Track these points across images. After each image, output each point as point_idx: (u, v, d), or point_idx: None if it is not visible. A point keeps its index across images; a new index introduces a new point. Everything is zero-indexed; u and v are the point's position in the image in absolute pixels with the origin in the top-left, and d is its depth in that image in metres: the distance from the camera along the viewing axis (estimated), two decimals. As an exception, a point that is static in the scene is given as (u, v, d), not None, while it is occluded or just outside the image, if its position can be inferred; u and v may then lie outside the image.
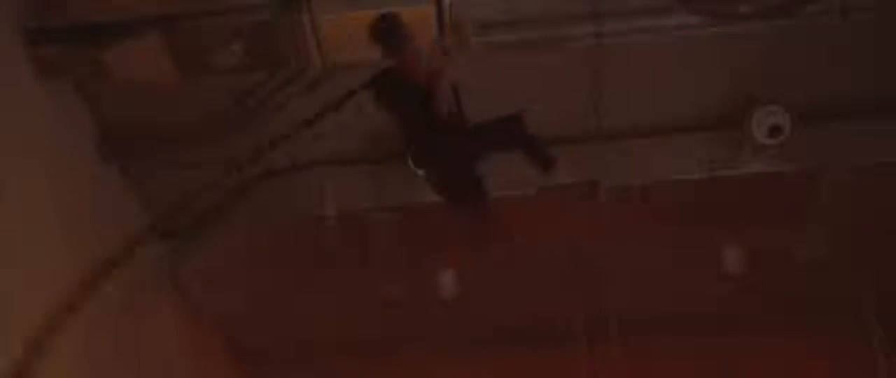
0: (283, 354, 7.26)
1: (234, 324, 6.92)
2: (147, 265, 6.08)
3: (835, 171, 5.97)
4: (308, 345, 7.17)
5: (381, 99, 4.70)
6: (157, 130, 5.55)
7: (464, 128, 4.67)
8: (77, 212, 5.33)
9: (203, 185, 5.90)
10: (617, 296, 6.57)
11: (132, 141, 5.58)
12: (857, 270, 6.62)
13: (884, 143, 5.83)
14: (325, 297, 6.66)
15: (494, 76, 5.36)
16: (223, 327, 6.93)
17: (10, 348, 4.48)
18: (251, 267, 6.34)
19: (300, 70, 5.34)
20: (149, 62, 5.07)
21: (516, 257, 6.40)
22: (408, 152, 5.13)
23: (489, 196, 5.08)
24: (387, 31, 4.47)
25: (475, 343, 7.14)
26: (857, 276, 6.66)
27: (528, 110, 4.80)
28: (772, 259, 6.59)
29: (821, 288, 6.77)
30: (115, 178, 5.78)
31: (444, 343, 7.03)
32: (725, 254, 6.61)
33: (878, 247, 6.43)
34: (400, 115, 4.72)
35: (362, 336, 7.03)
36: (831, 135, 5.79)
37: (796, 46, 5.51)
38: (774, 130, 5.62)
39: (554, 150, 5.62)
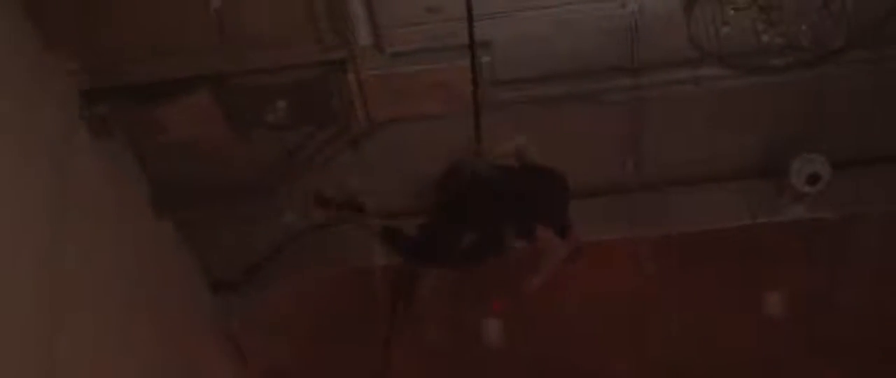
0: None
1: (285, 374, 6.91)
2: (201, 316, 6.09)
3: (875, 217, 5.89)
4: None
5: None
6: (209, 185, 5.56)
7: None
8: (134, 266, 5.34)
9: (254, 237, 5.93)
10: (660, 342, 6.53)
11: (185, 196, 5.59)
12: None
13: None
14: (374, 347, 6.64)
15: (532, 129, 5.36)
16: (273, 375, 6.93)
17: None
18: (301, 317, 6.34)
19: (346, 126, 5.35)
20: (200, 119, 5.11)
21: (558, 306, 6.35)
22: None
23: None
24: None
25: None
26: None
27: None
28: (813, 304, 6.50)
29: (863, 333, 6.68)
30: (170, 233, 5.80)
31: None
32: (768, 299, 6.54)
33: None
34: None
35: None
36: (871, 181, 5.73)
37: (833, 94, 5.45)
38: (813, 178, 5.57)
39: (595, 203, 5.62)
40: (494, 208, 4.84)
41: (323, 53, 4.98)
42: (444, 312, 6.39)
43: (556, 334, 6.50)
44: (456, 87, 4.69)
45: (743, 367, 6.97)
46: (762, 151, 5.73)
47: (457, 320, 6.46)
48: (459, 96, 4.67)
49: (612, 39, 5.11)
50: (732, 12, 5.06)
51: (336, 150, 5.43)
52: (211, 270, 6.10)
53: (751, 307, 6.57)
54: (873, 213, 5.87)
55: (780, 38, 5.14)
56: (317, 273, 6.03)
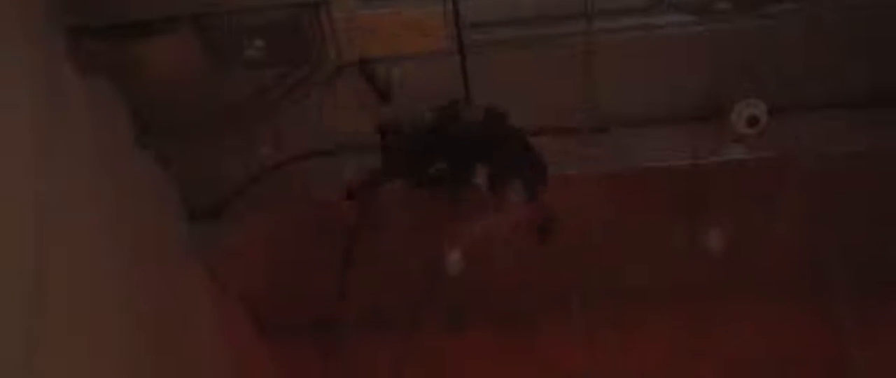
0: (304, 326, 7.37)
1: (259, 298, 7.03)
2: (178, 243, 6.19)
3: (807, 157, 6.05)
4: (328, 317, 7.28)
5: None
6: (189, 120, 5.64)
7: None
8: (116, 195, 5.39)
9: (231, 170, 6.01)
10: (609, 272, 6.69)
11: (165, 130, 5.66)
12: (827, 247, 6.72)
13: (853, 133, 5.92)
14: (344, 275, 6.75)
15: (495, 71, 5.47)
16: (249, 302, 7.04)
17: (48, 323, 4.48)
18: (275, 245, 6.44)
19: (318, 66, 5.40)
20: (181, 57, 5.17)
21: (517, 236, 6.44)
22: None
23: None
24: None
25: (481, 314, 7.27)
26: (827, 252, 6.76)
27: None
28: (750, 238, 6.69)
29: (795, 266, 6.88)
30: (150, 165, 5.86)
31: (452, 313, 7.14)
32: (708, 232, 6.72)
33: (845, 225, 6.54)
34: None
35: (377, 308, 7.13)
36: (806, 124, 5.88)
37: (774, 42, 5.57)
38: (752, 121, 5.71)
39: (549, 141, 5.73)
40: (472, 149, 4.91)
41: (298, -6, 5.02)
42: (412, 241, 6.49)
43: (508, 261, 6.62)
44: (427, 28, 4.77)
45: (682, 297, 7.20)
46: (706, 95, 5.85)
47: (414, 245, 6.55)
48: (430, 38, 4.76)
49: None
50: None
51: (309, 88, 5.49)
52: (189, 200, 6.17)
53: (691, 241, 6.76)
54: (807, 153, 6.02)
55: (725, -18, 5.27)
56: (290, 203, 6.12)
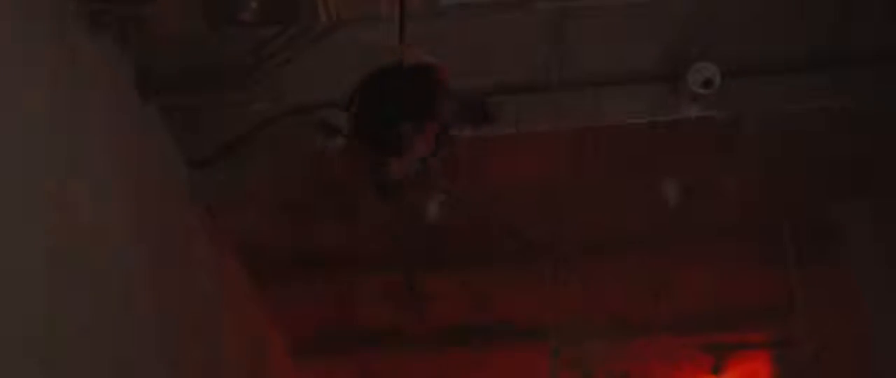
0: (294, 266, 7.56)
1: (256, 243, 7.19)
2: (178, 191, 6.40)
3: (757, 116, 6.24)
4: (318, 260, 7.47)
5: None
6: (189, 75, 5.80)
7: None
8: (121, 145, 5.59)
9: (229, 122, 6.19)
10: (574, 222, 6.89)
11: (167, 84, 5.83)
12: (774, 201, 6.96)
13: (800, 94, 6.15)
14: (332, 220, 6.93)
15: (469, 34, 5.65)
16: (243, 243, 7.20)
17: (54, 256, 4.62)
18: (273, 193, 6.66)
19: (309, 25, 5.56)
20: (181, 16, 5.31)
21: (486, 190, 6.62)
22: None
23: None
24: None
25: (455, 259, 7.48)
26: (774, 206, 7.01)
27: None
28: (703, 190, 6.90)
29: (744, 217, 7.12)
30: (153, 116, 6.04)
31: (428, 258, 7.35)
32: (665, 186, 6.92)
33: (791, 181, 6.77)
34: None
35: (363, 252, 7.33)
36: (756, 85, 6.12)
37: (729, 9, 5.80)
38: (707, 83, 5.91)
39: (519, 99, 5.88)
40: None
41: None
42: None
43: (483, 213, 6.80)
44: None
45: (640, 245, 7.43)
46: (664, 58, 6.08)
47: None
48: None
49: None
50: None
51: (301, 46, 5.68)
52: (189, 149, 6.37)
53: (650, 193, 6.97)
54: (756, 112, 6.22)
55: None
56: (287, 154, 6.32)
